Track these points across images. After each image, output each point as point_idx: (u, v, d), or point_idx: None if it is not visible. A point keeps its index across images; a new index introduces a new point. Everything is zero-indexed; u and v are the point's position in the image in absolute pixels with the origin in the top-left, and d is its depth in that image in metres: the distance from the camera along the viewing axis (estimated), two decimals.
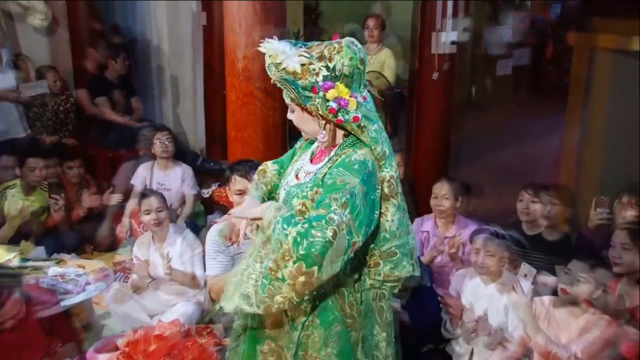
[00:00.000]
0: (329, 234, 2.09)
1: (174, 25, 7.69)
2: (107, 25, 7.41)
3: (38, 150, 5.78)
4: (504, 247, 3.82)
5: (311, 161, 2.50)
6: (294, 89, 2.26)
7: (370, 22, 6.16)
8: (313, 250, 2.08)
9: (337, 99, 2.24)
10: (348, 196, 2.17)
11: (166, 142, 5.58)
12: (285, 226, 2.14)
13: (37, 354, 3.22)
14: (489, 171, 7.40)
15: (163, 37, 7.73)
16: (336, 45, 2.27)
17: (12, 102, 5.97)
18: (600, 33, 5.57)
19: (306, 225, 2.11)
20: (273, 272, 2.18)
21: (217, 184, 6.19)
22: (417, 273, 2.50)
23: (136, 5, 7.81)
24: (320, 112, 2.29)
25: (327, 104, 2.25)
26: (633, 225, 3.82)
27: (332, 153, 2.40)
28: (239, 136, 3.97)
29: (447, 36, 5.35)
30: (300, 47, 2.28)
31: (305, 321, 2.39)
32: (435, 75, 5.44)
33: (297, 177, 2.48)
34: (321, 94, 2.24)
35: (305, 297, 2.31)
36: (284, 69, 2.23)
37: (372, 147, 2.37)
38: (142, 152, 6.08)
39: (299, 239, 2.10)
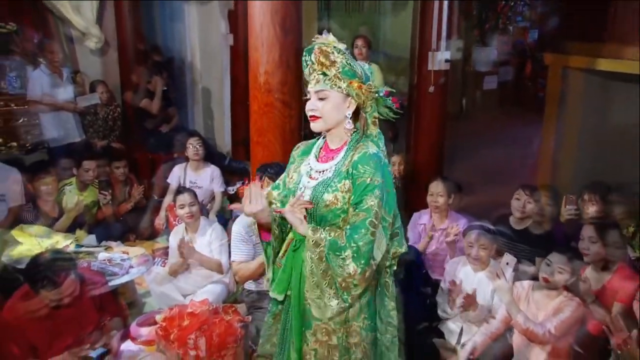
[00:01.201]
0: (370, 237, 2.26)
1: (205, 45, 7.77)
2: (150, 46, 7.44)
3: (91, 152, 5.84)
4: (494, 240, 3.82)
5: (318, 161, 2.47)
6: (360, 69, 2.34)
7: (359, 42, 6.06)
8: (368, 257, 2.27)
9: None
10: (378, 194, 2.27)
11: (197, 147, 5.59)
12: (337, 253, 2.27)
13: (89, 326, 3.24)
14: (477, 172, 7.38)
15: (196, 55, 7.80)
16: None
17: (70, 112, 6.02)
18: (571, 55, 5.59)
19: (353, 245, 2.25)
20: (345, 285, 2.31)
21: (241, 182, 6.20)
22: (406, 249, 2.53)
23: (174, 29, 7.86)
24: (364, 91, 2.33)
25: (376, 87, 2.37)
26: (598, 220, 3.88)
27: (345, 150, 2.39)
28: (260, 140, 3.96)
29: (442, 55, 5.33)
30: None
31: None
32: (431, 89, 5.42)
33: (311, 177, 2.44)
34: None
35: None
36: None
37: (376, 141, 2.42)
38: (176, 154, 6.12)
39: (356, 258, 2.25)
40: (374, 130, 2.41)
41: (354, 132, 2.41)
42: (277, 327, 2.64)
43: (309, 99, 2.39)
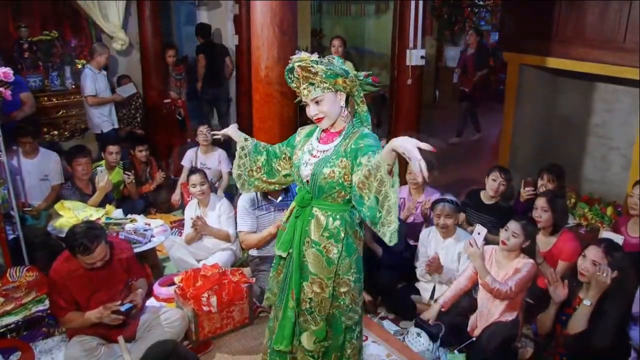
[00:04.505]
0: None
1: None
2: (166, 44, 7.34)
3: (117, 138, 5.81)
4: (457, 210, 3.83)
5: (320, 142, 2.48)
6: (339, 69, 2.33)
7: (336, 42, 6.01)
8: None
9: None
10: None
11: (206, 133, 5.53)
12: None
13: (118, 285, 3.23)
14: (449, 153, 7.38)
15: None
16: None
17: (117, 102, 6.07)
18: (526, 53, 5.56)
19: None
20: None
21: None
22: None
23: (188, 31, 7.74)
24: (348, 82, 2.35)
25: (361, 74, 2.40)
26: (549, 193, 3.86)
27: (343, 134, 2.42)
28: (262, 126, 3.92)
29: (418, 52, 5.29)
30: None
31: (339, 257, 2.43)
32: (409, 81, 5.39)
33: (313, 155, 2.46)
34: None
35: (337, 242, 2.42)
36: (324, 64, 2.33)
37: (366, 116, 2.48)
38: (189, 140, 6.09)
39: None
40: (364, 107, 2.46)
41: (351, 118, 2.45)
42: (278, 280, 2.67)
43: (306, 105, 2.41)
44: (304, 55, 2.36)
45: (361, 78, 2.41)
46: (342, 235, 2.42)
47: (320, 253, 2.44)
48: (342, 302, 2.51)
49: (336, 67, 2.34)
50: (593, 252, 2.99)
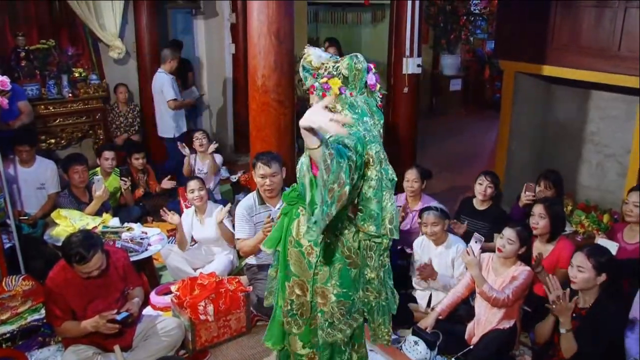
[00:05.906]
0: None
1: (211, 54, 7.67)
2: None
3: (113, 145, 5.81)
4: (443, 217, 3.83)
5: None
6: (305, 71, 2.38)
7: (326, 44, 6.07)
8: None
9: (323, 84, 2.30)
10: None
11: (202, 139, 5.55)
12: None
13: (115, 293, 3.22)
14: (445, 160, 7.40)
15: (203, 62, 7.72)
16: (345, 56, 2.39)
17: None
18: (521, 61, 5.59)
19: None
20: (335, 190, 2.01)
21: (242, 171, 6.18)
22: (396, 236, 2.36)
23: (185, 40, 7.74)
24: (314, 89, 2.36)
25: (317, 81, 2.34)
26: (547, 200, 3.86)
27: None
28: (259, 135, 3.93)
29: (414, 60, 5.31)
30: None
31: (316, 262, 2.39)
32: (405, 90, 5.40)
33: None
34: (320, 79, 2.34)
35: (315, 245, 2.37)
36: (309, 61, 2.37)
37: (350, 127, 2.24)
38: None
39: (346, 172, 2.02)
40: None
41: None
42: (275, 279, 2.69)
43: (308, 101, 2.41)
44: (311, 48, 2.41)
45: (321, 84, 2.30)
46: (320, 239, 2.34)
47: (302, 254, 2.42)
48: (319, 314, 2.44)
49: (306, 63, 2.38)
50: (578, 259, 3.00)
